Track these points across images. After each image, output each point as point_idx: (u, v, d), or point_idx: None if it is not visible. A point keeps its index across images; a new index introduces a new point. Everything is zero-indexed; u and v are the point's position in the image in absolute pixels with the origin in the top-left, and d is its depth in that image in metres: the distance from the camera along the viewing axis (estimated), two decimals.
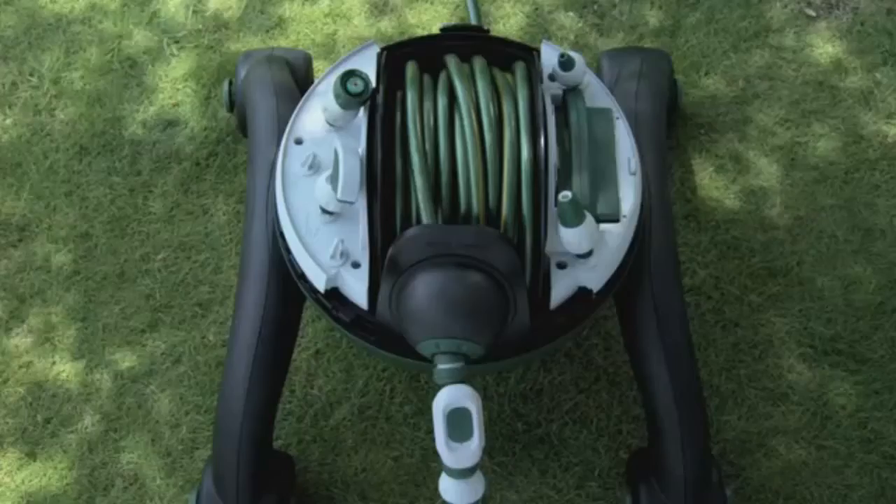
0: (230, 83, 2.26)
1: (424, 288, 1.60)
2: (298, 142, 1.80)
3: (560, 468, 2.04)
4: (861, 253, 2.21)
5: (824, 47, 2.42)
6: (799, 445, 2.06)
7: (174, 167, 2.27)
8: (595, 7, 2.46)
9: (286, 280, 1.81)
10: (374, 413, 2.08)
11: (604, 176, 1.77)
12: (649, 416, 1.89)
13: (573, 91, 1.81)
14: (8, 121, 2.32)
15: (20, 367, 2.11)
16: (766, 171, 2.29)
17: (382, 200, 1.67)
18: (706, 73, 2.38)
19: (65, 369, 2.11)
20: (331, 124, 1.79)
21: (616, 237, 1.74)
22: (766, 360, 2.12)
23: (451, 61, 1.77)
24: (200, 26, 2.41)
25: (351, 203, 1.66)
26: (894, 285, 2.18)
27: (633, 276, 1.83)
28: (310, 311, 2.12)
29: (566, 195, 1.61)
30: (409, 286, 1.61)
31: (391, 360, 1.80)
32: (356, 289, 1.70)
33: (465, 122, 1.69)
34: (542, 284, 1.70)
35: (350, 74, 1.70)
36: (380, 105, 1.70)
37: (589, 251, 1.69)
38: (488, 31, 1.89)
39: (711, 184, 2.28)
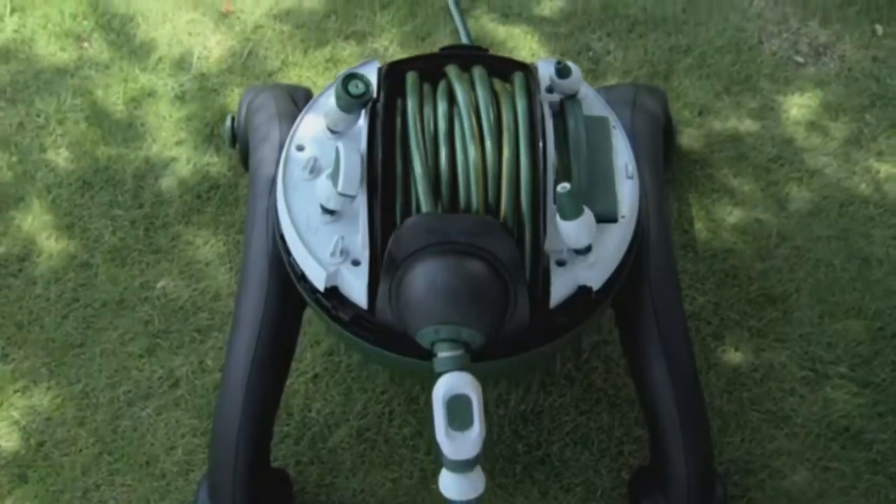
0: (232, 119, 2.30)
1: (423, 276, 1.59)
2: (300, 148, 1.83)
3: (561, 489, 2.00)
4: (859, 280, 2.22)
5: (814, 91, 2.48)
6: (804, 467, 2.03)
7: (175, 200, 2.29)
8: (590, 53, 2.52)
9: (286, 284, 1.81)
10: (373, 435, 2.05)
11: (601, 179, 1.79)
12: (651, 424, 1.86)
13: (570, 99, 1.85)
14: (14, 158, 2.35)
15: (15, 391, 2.09)
16: (762, 204, 2.32)
17: (383, 196, 1.68)
18: (699, 113, 2.43)
19: (60, 393, 2.08)
20: (332, 130, 1.81)
21: (615, 237, 1.75)
22: (768, 384, 2.11)
23: (451, 70, 1.81)
24: (205, 71, 2.47)
25: (352, 197, 1.68)
26: (893, 311, 2.18)
27: (632, 283, 1.83)
28: (308, 335, 2.12)
29: (564, 186, 1.62)
30: (408, 276, 1.61)
31: (391, 360, 1.78)
32: (356, 287, 1.70)
33: (465, 124, 1.71)
34: (542, 282, 1.70)
35: (351, 77, 1.74)
36: (380, 111, 1.73)
37: (588, 246, 1.70)
38: (487, 50, 1.94)
39: (708, 216, 2.30)
